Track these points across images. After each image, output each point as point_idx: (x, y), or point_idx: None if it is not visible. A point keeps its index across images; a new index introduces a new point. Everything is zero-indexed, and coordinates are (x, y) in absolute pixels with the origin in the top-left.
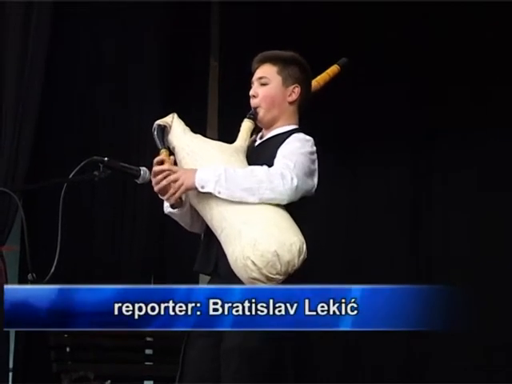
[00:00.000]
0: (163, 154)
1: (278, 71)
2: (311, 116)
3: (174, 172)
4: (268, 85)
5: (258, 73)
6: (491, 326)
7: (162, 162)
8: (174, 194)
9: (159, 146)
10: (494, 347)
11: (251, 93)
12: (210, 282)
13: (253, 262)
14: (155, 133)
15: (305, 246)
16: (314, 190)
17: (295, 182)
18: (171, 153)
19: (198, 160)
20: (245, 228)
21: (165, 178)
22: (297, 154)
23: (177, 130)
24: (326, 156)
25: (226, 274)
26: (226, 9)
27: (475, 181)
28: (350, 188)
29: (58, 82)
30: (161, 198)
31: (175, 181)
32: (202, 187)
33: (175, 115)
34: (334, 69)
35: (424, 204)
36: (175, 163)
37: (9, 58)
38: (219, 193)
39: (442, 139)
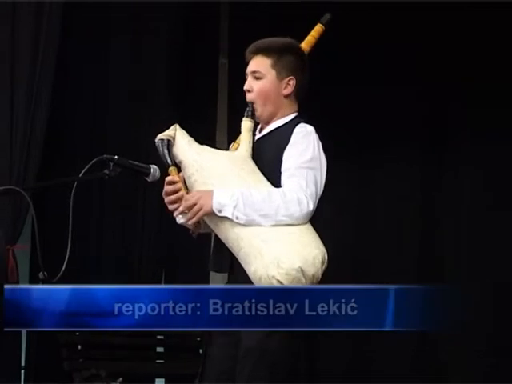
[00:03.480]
0: (172, 173)
1: (272, 64)
2: (321, 115)
3: (190, 196)
4: (262, 79)
5: (252, 66)
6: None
7: (172, 182)
8: (192, 218)
9: (166, 164)
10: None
11: (245, 87)
12: (228, 284)
13: (278, 281)
14: (160, 149)
15: (326, 255)
16: (324, 179)
17: (311, 205)
18: (178, 168)
19: (207, 177)
20: (265, 247)
21: (179, 198)
22: (305, 163)
23: (181, 143)
24: (337, 155)
25: (246, 281)
26: (235, 8)
27: (486, 180)
28: (359, 188)
29: (69, 82)
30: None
31: (193, 205)
32: (220, 211)
33: (177, 126)
34: (318, 29)
35: (435, 205)
36: (184, 179)
37: (20, 58)
38: (237, 218)
39: (453, 139)
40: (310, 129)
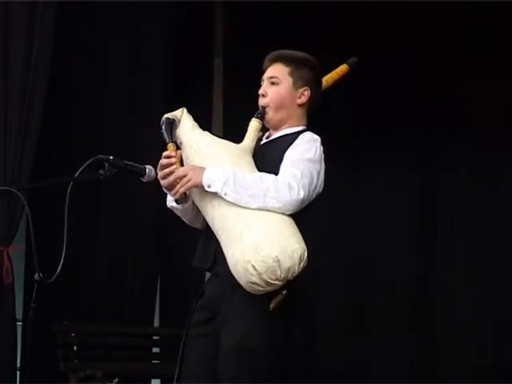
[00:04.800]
0: (170, 149)
1: (290, 72)
2: (319, 117)
3: (182, 167)
4: (278, 85)
5: (269, 72)
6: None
7: (169, 157)
8: (180, 189)
9: (167, 140)
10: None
11: (260, 91)
12: (208, 281)
13: (253, 267)
14: (163, 126)
15: (306, 253)
16: (320, 190)
17: (302, 194)
18: (178, 147)
19: (204, 158)
20: (247, 231)
21: (172, 172)
22: (304, 160)
23: (186, 125)
24: (335, 156)
25: (226, 274)
26: (229, 8)
27: (486, 181)
28: (358, 188)
29: (63, 82)
30: (165, 191)
31: (183, 176)
32: (209, 186)
33: (185, 110)
34: (343, 68)
35: (434, 205)
36: (181, 158)
37: (14, 58)
38: (226, 194)
39: (452, 139)
40: (316, 137)
